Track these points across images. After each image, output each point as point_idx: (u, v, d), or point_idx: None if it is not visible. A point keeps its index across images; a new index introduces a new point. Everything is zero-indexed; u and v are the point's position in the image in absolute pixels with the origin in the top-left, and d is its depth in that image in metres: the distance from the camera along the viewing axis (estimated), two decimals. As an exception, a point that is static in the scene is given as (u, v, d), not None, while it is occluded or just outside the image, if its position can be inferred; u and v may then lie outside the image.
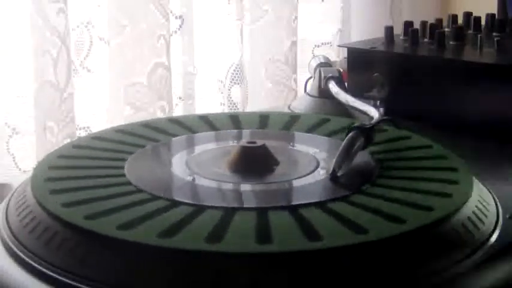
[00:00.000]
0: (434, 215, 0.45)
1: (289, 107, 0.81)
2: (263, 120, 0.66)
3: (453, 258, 0.43)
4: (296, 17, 1.09)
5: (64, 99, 0.84)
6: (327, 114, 0.70)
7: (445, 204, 0.47)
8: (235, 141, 0.60)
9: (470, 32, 0.87)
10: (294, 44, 1.10)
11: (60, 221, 0.44)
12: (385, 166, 0.54)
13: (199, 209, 0.45)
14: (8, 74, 0.81)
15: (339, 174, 0.52)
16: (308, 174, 0.53)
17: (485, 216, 0.48)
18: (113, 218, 0.44)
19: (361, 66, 0.82)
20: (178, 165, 0.55)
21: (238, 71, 1.03)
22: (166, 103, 0.93)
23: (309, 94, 0.80)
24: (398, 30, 0.86)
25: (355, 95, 0.72)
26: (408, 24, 0.85)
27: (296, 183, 0.52)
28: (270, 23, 1.07)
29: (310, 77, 0.82)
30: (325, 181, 0.52)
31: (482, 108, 0.71)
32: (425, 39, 0.82)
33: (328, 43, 1.19)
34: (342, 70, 0.80)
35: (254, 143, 0.55)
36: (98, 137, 0.61)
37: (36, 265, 0.43)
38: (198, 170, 0.54)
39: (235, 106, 1.04)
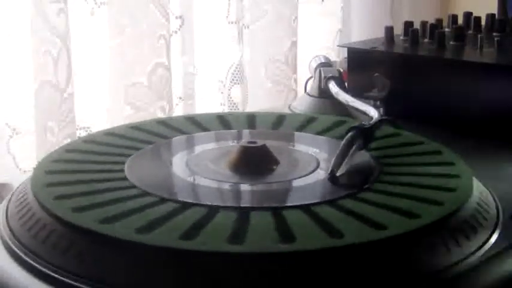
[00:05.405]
0: (446, 209, 0.46)
1: (289, 107, 0.81)
2: (250, 120, 0.66)
3: (453, 258, 0.43)
4: (296, 17, 1.09)
5: (64, 99, 0.84)
6: (327, 114, 0.70)
7: (452, 199, 0.47)
8: (235, 142, 0.60)
9: (470, 32, 0.87)
10: (294, 44, 1.10)
11: (58, 219, 0.44)
12: (385, 163, 0.54)
13: (213, 211, 0.45)
14: (8, 74, 0.81)
15: (337, 174, 0.52)
16: (311, 173, 0.53)
17: (485, 216, 0.48)
18: (128, 222, 0.43)
19: (361, 66, 0.82)
20: (180, 166, 0.55)
21: (238, 71, 1.03)
22: (166, 103, 0.93)
23: (309, 94, 0.80)
24: (398, 30, 0.86)
25: (355, 95, 0.72)
26: (408, 24, 0.85)
27: (302, 182, 0.52)
28: (270, 23, 1.07)
29: (310, 77, 0.82)
30: (326, 181, 0.52)
31: (482, 108, 0.71)
32: (425, 40, 0.83)
33: (328, 43, 1.19)
34: (342, 70, 0.80)
35: (255, 143, 0.55)
36: (90, 140, 0.60)
37: (36, 265, 0.43)
38: (201, 171, 0.53)
39: (236, 106, 1.04)
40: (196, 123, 0.65)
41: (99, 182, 0.51)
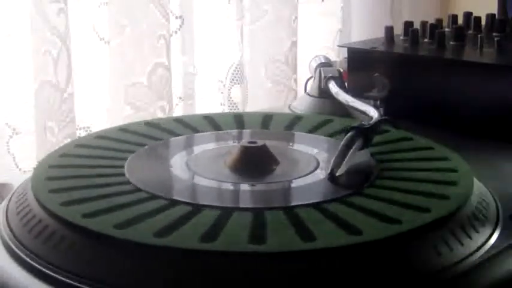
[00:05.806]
0: (431, 216, 0.45)
1: (289, 107, 0.81)
2: (266, 120, 0.66)
3: (453, 259, 0.43)
4: (296, 17, 1.09)
5: (64, 99, 0.84)
6: (327, 114, 0.70)
7: (443, 205, 0.47)
8: (236, 141, 0.60)
9: (470, 32, 0.87)
10: (294, 44, 1.10)
11: (58, 219, 0.44)
12: (385, 167, 0.54)
13: (196, 209, 0.46)
14: (8, 74, 0.81)
15: (337, 174, 0.52)
16: (308, 174, 0.53)
17: (486, 216, 0.48)
18: (110, 217, 0.44)
19: (361, 66, 0.82)
20: (178, 165, 0.55)
21: (238, 71, 1.03)
22: (166, 103, 0.93)
23: (309, 94, 0.80)
24: (398, 30, 0.86)
25: (355, 95, 0.72)
26: (408, 24, 0.85)
27: (295, 183, 0.52)
28: (270, 23, 1.07)
29: (311, 77, 0.82)
30: (324, 182, 0.52)
31: (482, 108, 0.71)
32: (425, 39, 0.82)
33: (328, 43, 1.19)
34: (342, 70, 0.80)
35: (255, 143, 0.55)
36: (100, 136, 0.61)
37: (36, 265, 0.43)
38: (198, 170, 0.54)
39: (235, 106, 1.04)
40: (212, 122, 0.65)
41: (96, 177, 0.51)
